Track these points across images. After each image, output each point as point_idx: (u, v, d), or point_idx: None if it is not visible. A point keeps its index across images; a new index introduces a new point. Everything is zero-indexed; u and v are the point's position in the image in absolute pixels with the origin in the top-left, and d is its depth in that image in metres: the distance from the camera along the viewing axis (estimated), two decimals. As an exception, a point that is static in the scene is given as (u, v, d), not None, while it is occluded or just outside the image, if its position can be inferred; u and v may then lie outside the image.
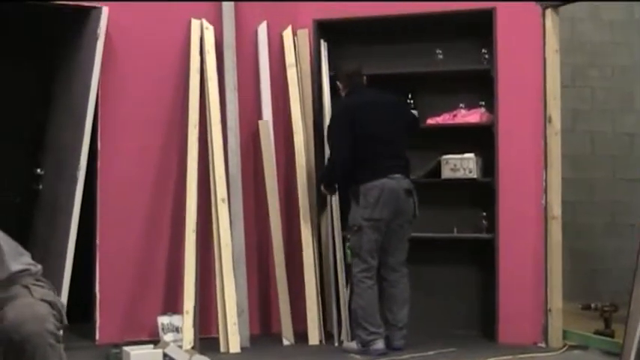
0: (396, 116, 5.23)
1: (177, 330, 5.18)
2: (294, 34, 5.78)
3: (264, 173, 5.56)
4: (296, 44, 5.77)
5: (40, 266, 3.00)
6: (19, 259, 2.92)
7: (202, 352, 4.86)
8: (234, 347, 5.12)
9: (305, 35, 5.78)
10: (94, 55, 5.12)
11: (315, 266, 5.47)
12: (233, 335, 5.15)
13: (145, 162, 5.45)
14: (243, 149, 5.54)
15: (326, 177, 5.35)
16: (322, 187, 5.37)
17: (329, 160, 5.31)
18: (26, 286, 2.84)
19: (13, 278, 2.85)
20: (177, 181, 5.41)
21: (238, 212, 5.40)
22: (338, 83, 5.35)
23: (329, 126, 5.31)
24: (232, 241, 5.31)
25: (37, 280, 2.92)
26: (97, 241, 5.30)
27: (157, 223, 5.47)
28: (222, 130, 5.43)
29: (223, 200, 5.31)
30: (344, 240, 5.40)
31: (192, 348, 5.02)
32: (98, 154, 5.29)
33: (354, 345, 5.07)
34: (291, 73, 5.70)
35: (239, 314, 5.22)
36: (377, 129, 5.08)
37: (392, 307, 5.09)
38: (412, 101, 5.76)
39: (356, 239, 5.02)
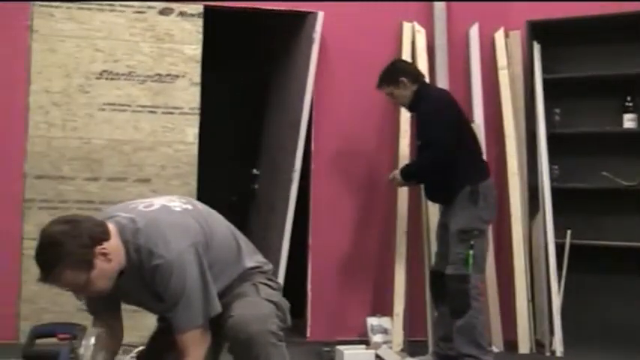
0: None
1: (385, 332, 5.21)
2: (506, 35, 5.67)
3: (474, 177, 5.48)
4: (508, 46, 5.66)
5: (270, 265, 3.12)
6: (254, 257, 3.04)
7: (412, 355, 4.87)
8: (443, 351, 5.09)
9: (517, 37, 5.66)
10: (310, 59, 5.26)
11: (526, 272, 5.34)
12: (442, 339, 5.11)
13: (356, 164, 5.54)
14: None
15: (422, 171, 4.73)
16: (402, 177, 4.78)
17: (427, 155, 4.61)
18: (255, 285, 2.95)
19: (246, 275, 2.97)
20: (387, 184, 5.43)
21: (448, 215, 5.35)
22: (403, 79, 4.72)
23: (425, 120, 4.69)
24: (442, 244, 5.27)
25: (268, 279, 3.03)
26: (310, 241, 5.44)
27: (367, 224, 5.53)
28: (434, 134, 5.40)
29: (433, 203, 5.28)
30: (544, 246, 5.19)
31: (402, 350, 5.04)
32: (312, 155, 5.43)
33: None
34: (503, 76, 5.60)
35: (448, 318, 5.17)
36: (470, 125, 4.82)
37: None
38: (631, 104, 5.50)
39: (480, 245, 4.51)
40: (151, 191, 5.11)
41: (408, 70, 4.84)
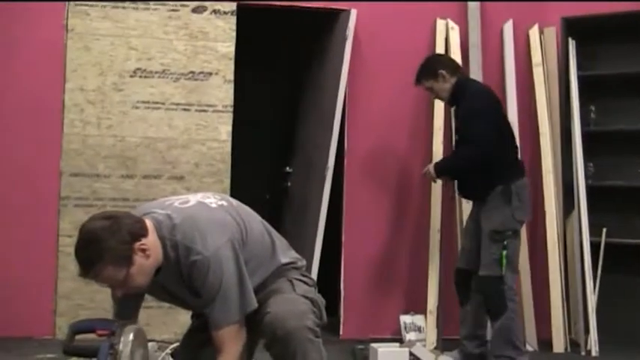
0: None
1: (419, 329, 5.20)
2: (541, 32, 5.63)
3: (508, 175, 5.45)
4: (542, 43, 5.61)
5: (304, 261, 3.11)
6: (288, 253, 3.05)
7: (445, 353, 4.85)
8: (477, 350, 5.06)
9: (552, 33, 5.61)
10: (343, 57, 5.25)
11: (560, 271, 5.30)
12: (476, 338, 5.09)
13: (390, 161, 5.53)
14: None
15: (459, 167, 4.62)
16: (436, 172, 4.67)
17: (466, 152, 4.48)
18: (290, 281, 2.95)
19: (281, 271, 2.97)
20: (420, 181, 5.42)
21: (482, 213, 5.33)
22: (442, 71, 4.60)
23: (467, 115, 4.53)
24: (476, 242, 5.25)
25: (303, 275, 3.03)
26: (343, 239, 5.44)
27: (400, 222, 5.52)
28: (467, 131, 5.38)
29: (467, 201, 5.26)
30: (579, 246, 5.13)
31: (436, 348, 5.02)
32: (345, 153, 5.43)
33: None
34: (538, 73, 5.55)
35: (481, 317, 5.15)
36: (508, 122, 4.71)
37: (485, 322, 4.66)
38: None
39: (513, 246, 4.39)
40: (184, 189, 5.14)
41: (446, 62, 4.76)
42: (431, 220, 5.31)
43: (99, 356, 2.40)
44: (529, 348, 5.20)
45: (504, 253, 4.33)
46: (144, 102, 5.18)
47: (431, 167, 4.72)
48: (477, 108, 4.48)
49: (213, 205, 2.86)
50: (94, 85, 5.14)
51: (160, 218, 2.75)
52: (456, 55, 5.44)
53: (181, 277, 2.74)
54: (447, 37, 5.52)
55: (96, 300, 5.02)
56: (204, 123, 5.24)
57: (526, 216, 4.55)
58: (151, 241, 2.68)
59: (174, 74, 5.22)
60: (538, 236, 5.47)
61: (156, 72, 5.19)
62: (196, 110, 5.24)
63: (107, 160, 5.14)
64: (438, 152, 5.34)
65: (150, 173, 5.17)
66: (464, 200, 5.24)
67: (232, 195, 5.19)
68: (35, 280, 4.98)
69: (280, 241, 3.06)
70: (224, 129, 5.25)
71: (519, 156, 4.76)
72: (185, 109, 5.22)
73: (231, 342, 2.72)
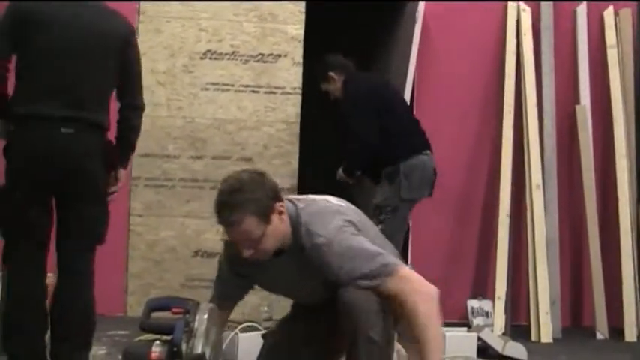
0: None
1: (486, 314, 5.16)
2: (616, 13, 5.50)
3: (579, 160, 5.36)
4: (617, 24, 5.49)
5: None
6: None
7: (513, 339, 4.79)
8: (546, 337, 5.00)
9: (628, 15, 5.48)
10: (412, 40, 5.21)
11: (633, 257, 5.20)
12: (544, 325, 5.03)
13: (459, 145, 5.47)
14: (559, 135, 5.39)
15: (355, 164, 4.67)
16: (346, 175, 4.69)
17: (353, 149, 4.57)
18: None
19: None
20: (490, 166, 5.37)
21: (553, 199, 5.26)
22: (331, 73, 4.70)
23: (345, 111, 4.61)
24: (546, 228, 5.18)
25: None
26: (410, 223, 5.40)
27: (469, 207, 5.47)
28: (538, 115, 5.31)
29: (538, 186, 5.20)
30: None
31: (503, 334, 4.97)
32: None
33: None
34: (612, 55, 5.44)
35: (551, 304, 5.08)
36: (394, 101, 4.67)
37: None
38: None
39: (391, 223, 4.44)
40: (253, 170, 5.17)
41: (333, 63, 4.76)
42: (500, 204, 5.24)
43: (174, 333, 2.42)
44: (599, 336, 5.13)
45: (379, 227, 4.11)
46: (213, 84, 5.22)
47: (340, 172, 4.73)
48: (349, 102, 4.56)
49: (334, 201, 2.86)
50: (165, 67, 5.19)
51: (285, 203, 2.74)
52: (527, 38, 5.37)
53: (302, 262, 2.70)
54: (519, 19, 5.43)
55: (165, 279, 5.10)
56: (273, 105, 5.26)
57: (417, 195, 4.52)
58: (285, 209, 2.68)
59: (243, 56, 5.24)
60: (610, 223, 5.37)
61: (225, 54, 5.22)
62: (265, 92, 5.26)
63: (177, 141, 5.19)
64: (507, 132, 5.27)
65: (219, 154, 5.21)
66: (534, 186, 5.18)
67: (300, 177, 5.26)
68: (107, 259, 5.02)
69: (391, 248, 3.02)
70: (292, 111, 5.26)
71: (419, 129, 4.69)
72: (254, 91, 5.24)
73: (413, 283, 2.60)
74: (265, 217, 2.59)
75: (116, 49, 3.33)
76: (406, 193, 4.47)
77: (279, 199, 2.66)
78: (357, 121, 4.46)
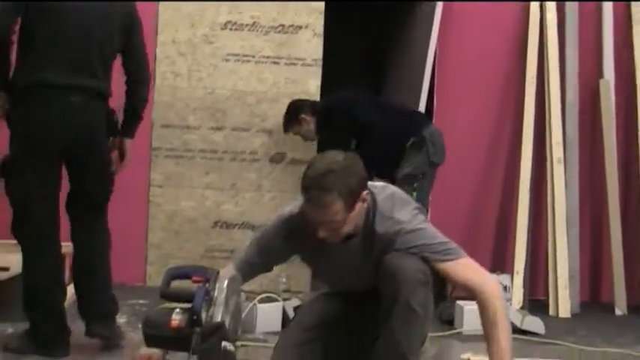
0: None
1: (505, 289, 5.13)
2: (644, -11, 5.43)
3: (602, 135, 5.32)
4: (643, -1, 5.42)
5: None
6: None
7: (531, 314, 4.79)
8: (564, 312, 4.99)
9: (655, -9, 5.41)
10: (433, 17, 5.16)
11: (654, 234, 5.18)
12: (563, 300, 5.02)
13: (480, 119, 5.44)
14: (581, 109, 5.34)
15: (375, 151, 4.59)
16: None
17: (371, 136, 4.67)
18: None
19: None
20: (511, 140, 5.33)
21: (574, 174, 5.23)
22: (303, 115, 4.88)
23: (348, 122, 4.73)
24: (566, 202, 5.15)
25: None
26: (430, 197, 5.38)
27: (489, 181, 5.45)
28: (561, 89, 5.27)
29: (559, 160, 5.16)
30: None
31: (522, 308, 4.96)
32: (434, 114, 5.35)
33: None
34: (637, 31, 5.37)
35: (570, 278, 5.07)
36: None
37: None
38: None
39: (422, 187, 4.69)
40: (273, 142, 5.17)
41: (302, 105, 4.91)
42: (520, 179, 5.21)
43: (194, 301, 2.42)
44: (618, 312, 5.11)
45: (414, 194, 4.46)
46: (234, 55, 5.20)
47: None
48: (347, 110, 4.69)
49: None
50: (185, 38, 5.17)
51: None
52: (551, 11, 5.32)
53: (370, 248, 2.72)
54: (542, -9, 5.38)
55: (184, 249, 5.13)
56: (293, 77, 5.23)
57: (441, 160, 4.72)
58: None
59: (264, 27, 5.21)
60: (631, 198, 5.35)
61: (246, 25, 5.20)
62: (285, 64, 5.23)
63: (197, 112, 5.19)
64: (529, 105, 5.26)
65: (239, 126, 5.20)
66: (555, 160, 5.15)
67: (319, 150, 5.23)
68: (127, 230, 5.07)
69: None
70: (313, 83, 5.24)
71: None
72: (274, 63, 5.22)
73: (479, 274, 2.68)
74: (351, 202, 2.58)
75: (121, 17, 3.43)
76: (435, 157, 4.68)
77: (366, 187, 2.65)
78: (364, 114, 4.62)
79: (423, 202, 4.31)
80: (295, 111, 4.92)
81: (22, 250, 3.37)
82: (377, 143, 4.61)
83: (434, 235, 2.72)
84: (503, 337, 2.54)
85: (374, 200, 2.72)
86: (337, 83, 5.47)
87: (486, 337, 2.57)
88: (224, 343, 2.38)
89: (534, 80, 5.28)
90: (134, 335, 3.64)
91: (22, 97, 3.26)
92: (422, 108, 5.12)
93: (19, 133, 3.29)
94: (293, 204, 2.85)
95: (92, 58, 3.32)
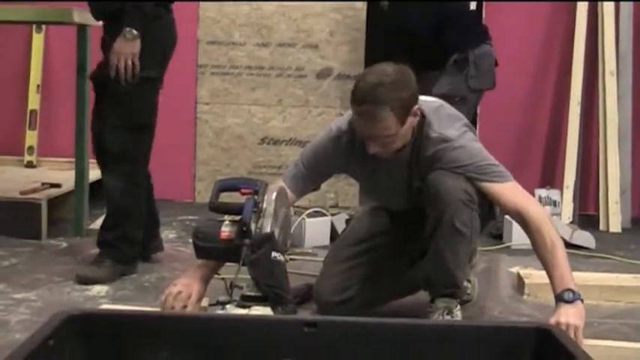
0: None
1: (554, 204, 5.10)
2: None
3: (657, 46, 5.18)
4: None
5: None
6: None
7: (581, 229, 4.75)
8: (615, 227, 4.94)
9: None
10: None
11: None
12: (614, 214, 4.96)
13: (530, 31, 5.32)
14: (636, 20, 5.18)
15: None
16: None
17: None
18: None
19: None
20: (562, 52, 5.21)
21: (627, 87, 5.11)
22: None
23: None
24: (618, 116, 5.05)
25: None
26: (478, 109, 5.32)
27: (539, 95, 5.34)
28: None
29: (612, 73, 5.04)
30: None
31: (571, 223, 4.93)
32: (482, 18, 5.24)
33: None
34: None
35: (621, 193, 5.01)
36: None
37: None
38: None
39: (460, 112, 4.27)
40: (319, 57, 5.12)
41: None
42: (571, 91, 5.11)
43: (243, 213, 2.44)
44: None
45: None
46: (280, -31, 5.14)
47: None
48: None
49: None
50: (231, -48, 5.11)
51: None
52: None
53: (415, 167, 2.72)
54: None
55: (232, 166, 5.17)
56: (339, -10, 5.15)
57: (485, 85, 4.23)
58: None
59: (309, -59, 5.13)
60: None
61: (292, -61, 5.12)
62: (332, -23, 5.15)
63: (242, 29, 5.15)
64: (581, 18, 5.10)
65: (285, 41, 5.16)
66: (607, 73, 5.03)
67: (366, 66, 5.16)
68: (176, 147, 5.12)
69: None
70: (359, -3, 5.16)
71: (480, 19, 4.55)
72: (320, -23, 5.14)
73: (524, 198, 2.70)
74: (403, 116, 2.56)
75: None
76: (475, 83, 4.22)
77: (417, 101, 2.62)
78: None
79: None
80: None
81: (129, 174, 3.48)
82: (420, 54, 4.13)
83: (481, 154, 2.70)
84: (563, 261, 2.54)
85: (422, 115, 2.69)
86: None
87: (544, 262, 2.57)
88: (274, 254, 2.40)
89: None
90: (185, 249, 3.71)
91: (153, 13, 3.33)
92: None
93: (154, 47, 3.33)
94: (340, 120, 2.83)
95: None
